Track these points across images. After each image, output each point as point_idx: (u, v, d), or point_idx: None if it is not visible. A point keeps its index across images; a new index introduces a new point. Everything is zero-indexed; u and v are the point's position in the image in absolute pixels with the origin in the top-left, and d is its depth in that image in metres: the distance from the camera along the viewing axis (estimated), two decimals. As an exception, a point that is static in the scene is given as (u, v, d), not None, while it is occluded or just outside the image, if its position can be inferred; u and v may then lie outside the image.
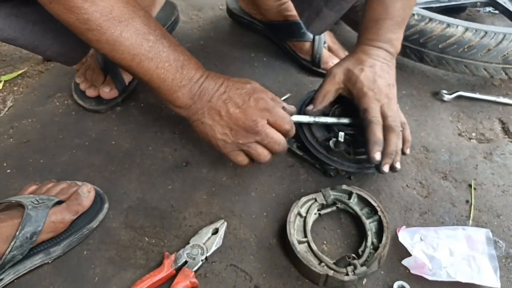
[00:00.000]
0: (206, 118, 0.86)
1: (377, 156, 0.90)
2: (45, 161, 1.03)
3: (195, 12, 1.56)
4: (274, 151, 0.89)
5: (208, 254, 0.86)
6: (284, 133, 0.89)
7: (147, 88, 1.19)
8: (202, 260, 0.85)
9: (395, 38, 1.01)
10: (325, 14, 1.07)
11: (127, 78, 1.18)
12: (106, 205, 0.94)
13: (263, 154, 0.88)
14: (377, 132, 0.92)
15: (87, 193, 0.89)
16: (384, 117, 0.94)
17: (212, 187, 1.00)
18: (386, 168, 0.92)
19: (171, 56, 0.80)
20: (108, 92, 1.15)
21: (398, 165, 0.94)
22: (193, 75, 0.83)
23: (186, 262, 0.84)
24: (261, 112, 0.85)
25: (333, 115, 1.03)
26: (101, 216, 0.92)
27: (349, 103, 1.01)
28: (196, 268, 0.83)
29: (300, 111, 1.04)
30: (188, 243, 0.87)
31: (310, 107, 1.01)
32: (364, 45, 1.01)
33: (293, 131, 0.91)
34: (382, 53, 1.00)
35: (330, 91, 1.00)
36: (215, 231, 0.90)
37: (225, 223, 0.91)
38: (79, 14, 0.71)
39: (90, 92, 1.15)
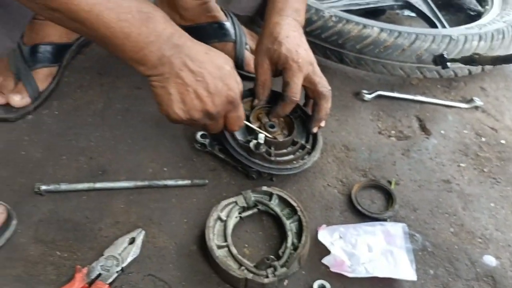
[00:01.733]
0: (170, 85, 0.78)
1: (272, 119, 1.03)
2: None
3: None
4: (210, 133, 0.96)
5: (124, 265, 0.82)
6: (230, 131, 0.94)
7: (62, 95, 1.17)
8: (117, 272, 0.81)
9: (301, 8, 1.04)
10: None
11: (41, 84, 1.12)
12: (14, 222, 0.87)
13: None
14: (287, 109, 1.00)
15: None
16: (313, 84, 0.99)
17: (130, 195, 0.96)
18: (315, 130, 1.04)
19: (133, 7, 0.71)
20: (19, 100, 1.08)
21: (323, 124, 1.05)
22: (162, 31, 0.74)
23: (100, 274, 0.80)
24: (226, 104, 0.83)
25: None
26: (7, 234, 0.86)
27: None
28: (110, 280, 0.80)
29: None
30: (102, 254, 0.83)
31: (255, 101, 1.03)
32: (274, 15, 1.01)
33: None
34: (292, 22, 1.01)
35: (266, 79, 1.02)
36: (132, 241, 0.86)
37: (143, 232, 0.88)
38: None
39: (-3, 99, 1.08)
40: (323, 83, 1.00)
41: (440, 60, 1.15)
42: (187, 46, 0.77)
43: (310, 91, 1.02)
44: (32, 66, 1.10)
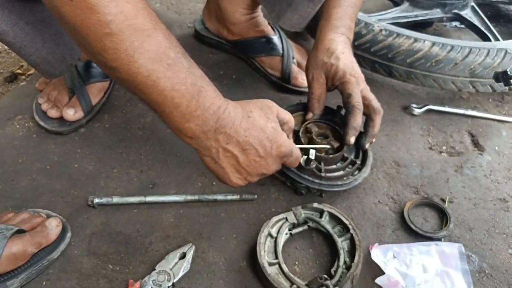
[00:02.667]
0: (221, 160, 0.78)
1: (352, 140, 0.97)
2: (3, 187, 0.98)
3: (163, 31, 1.54)
4: None
5: (175, 280, 0.82)
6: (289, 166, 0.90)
7: (112, 108, 1.19)
8: (169, 287, 0.81)
9: (352, 26, 1.06)
10: (298, 3, 1.09)
11: (94, 98, 1.15)
12: (69, 235, 0.89)
13: None
14: (358, 118, 0.96)
15: (55, 227, 0.85)
16: (367, 99, 0.99)
17: (179, 209, 0.97)
18: (367, 145, 1.02)
19: (188, 79, 0.70)
20: (72, 114, 1.11)
21: (374, 139, 1.03)
22: (209, 106, 0.72)
23: (152, 289, 0.80)
24: (280, 159, 0.84)
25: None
26: (62, 246, 0.87)
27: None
28: (162, 295, 0.80)
29: None
30: (154, 269, 0.83)
31: (310, 115, 1.04)
32: (329, 32, 1.03)
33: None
34: (346, 40, 1.03)
35: (322, 93, 1.03)
36: (183, 256, 0.86)
37: (193, 247, 0.88)
38: (102, 15, 0.60)
39: (52, 113, 1.10)
40: (376, 100, 1.00)
41: (503, 77, 1.10)
42: (231, 117, 0.75)
43: (365, 107, 0.99)
44: (86, 81, 1.13)
